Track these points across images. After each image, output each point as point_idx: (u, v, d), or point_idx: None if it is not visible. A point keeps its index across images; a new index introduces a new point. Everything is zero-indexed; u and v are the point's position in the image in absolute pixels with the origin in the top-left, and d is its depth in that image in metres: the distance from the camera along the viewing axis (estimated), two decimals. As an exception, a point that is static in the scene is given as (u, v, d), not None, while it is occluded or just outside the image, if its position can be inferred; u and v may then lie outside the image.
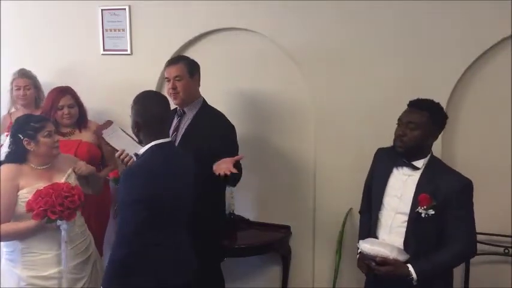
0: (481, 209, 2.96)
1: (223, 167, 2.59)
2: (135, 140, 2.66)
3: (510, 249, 2.95)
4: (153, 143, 2.29)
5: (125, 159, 2.87)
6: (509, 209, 2.96)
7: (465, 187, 2.39)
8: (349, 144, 3.09)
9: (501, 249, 2.97)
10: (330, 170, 3.25)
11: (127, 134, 3.07)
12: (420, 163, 2.43)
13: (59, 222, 2.43)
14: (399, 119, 2.46)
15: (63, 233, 2.47)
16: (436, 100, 2.92)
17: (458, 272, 3.09)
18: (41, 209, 2.37)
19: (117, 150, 2.94)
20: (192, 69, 2.89)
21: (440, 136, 2.97)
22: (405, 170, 2.46)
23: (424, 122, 2.39)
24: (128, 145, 2.95)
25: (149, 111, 2.30)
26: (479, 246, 3.00)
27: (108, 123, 3.23)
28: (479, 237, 2.99)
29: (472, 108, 3.01)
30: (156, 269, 2.25)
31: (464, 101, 3.01)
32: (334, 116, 3.22)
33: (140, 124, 2.30)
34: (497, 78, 2.93)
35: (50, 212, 2.38)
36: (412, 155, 2.43)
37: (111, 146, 3.08)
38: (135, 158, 2.43)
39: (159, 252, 2.26)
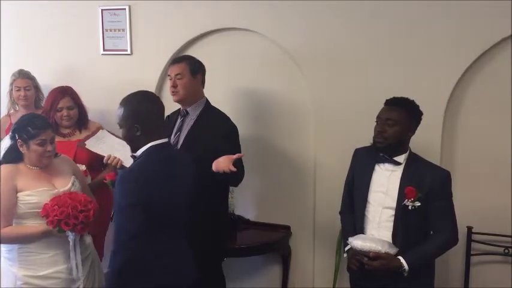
0: (480, 208, 2.99)
1: (222, 164, 2.60)
2: None
3: (510, 249, 2.95)
4: (150, 144, 2.19)
5: (113, 162, 2.85)
6: (509, 209, 2.96)
7: (446, 179, 2.50)
8: (349, 144, 3.07)
9: (501, 249, 2.97)
10: (330, 170, 3.24)
11: (117, 136, 3.05)
12: (401, 158, 2.52)
13: (68, 233, 2.43)
14: (378, 117, 2.54)
15: (71, 243, 2.47)
16: (436, 100, 2.96)
17: (458, 272, 3.10)
18: (56, 218, 2.38)
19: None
20: (194, 68, 2.88)
21: (439, 136, 3.01)
22: (387, 166, 2.53)
23: (401, 118, 2.48)
24: (117, 149, 2.92)
25: (144, 109, 2.20)
26: (479, 246, 3.02)
27: (96, 131, 3.21)
28: (479, 237, 3.01)
29: (472, 108, 3.01)
30: (155, 275, 2.18)
31: (464, 101, 3.02)
32: (334, 116, 3.22)
33: (139, 125, 2.17)
34: (497, 78, 2.93)
35: (63, 223, 2.39)
36: (393, 150, 2.51)
37: (98, 153, 3.01)
38: (128, 161, 2.35)
39: (157, 258, 2.18)
